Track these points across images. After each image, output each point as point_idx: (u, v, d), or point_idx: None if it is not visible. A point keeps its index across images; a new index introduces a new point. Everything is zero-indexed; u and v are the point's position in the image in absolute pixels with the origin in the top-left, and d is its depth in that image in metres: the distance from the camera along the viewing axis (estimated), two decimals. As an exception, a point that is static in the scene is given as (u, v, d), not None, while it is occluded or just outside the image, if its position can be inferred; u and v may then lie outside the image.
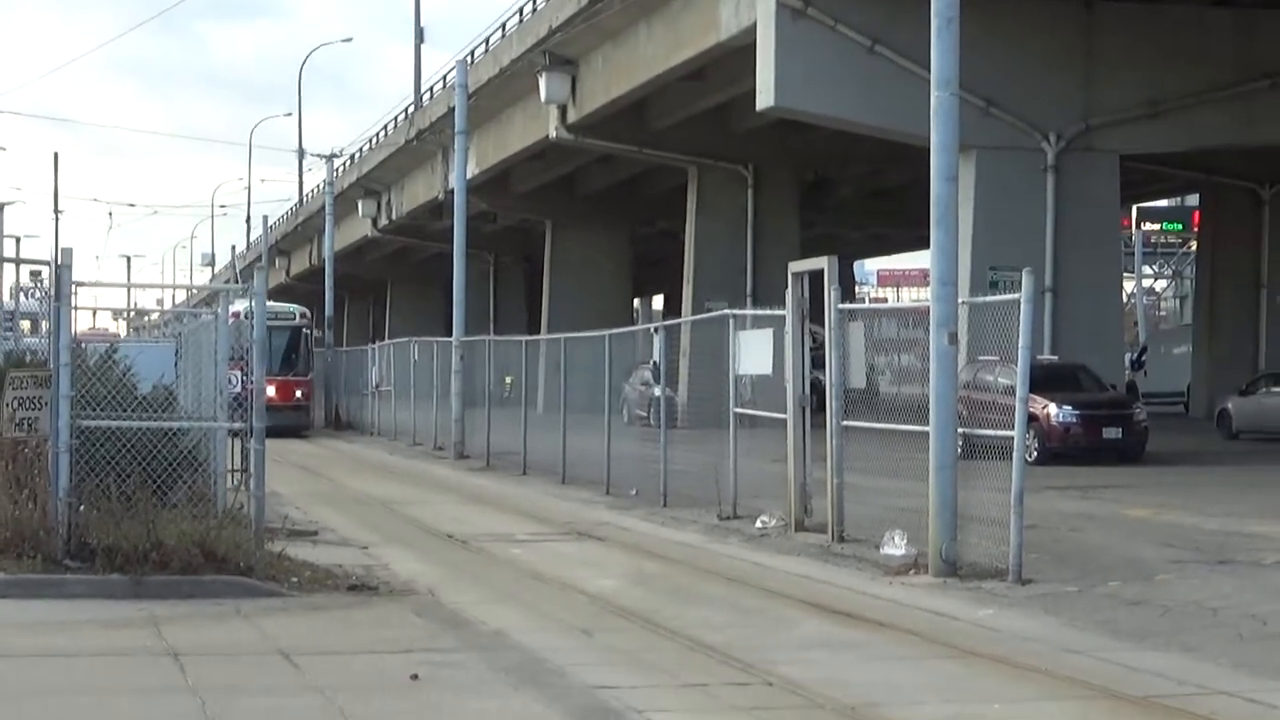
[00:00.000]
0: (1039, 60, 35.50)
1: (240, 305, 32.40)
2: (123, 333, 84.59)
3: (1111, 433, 31.93)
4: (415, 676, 11.31)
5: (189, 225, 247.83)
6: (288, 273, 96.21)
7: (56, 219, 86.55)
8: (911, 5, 32.81)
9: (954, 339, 17.20)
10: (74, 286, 16.26)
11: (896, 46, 33.93)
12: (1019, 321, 16.58)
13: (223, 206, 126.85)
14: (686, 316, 43.58)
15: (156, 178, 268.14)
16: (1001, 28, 32.01)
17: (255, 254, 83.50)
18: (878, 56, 34.53)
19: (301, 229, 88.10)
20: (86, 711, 9.83)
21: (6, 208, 61.33)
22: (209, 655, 12.17)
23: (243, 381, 23.07)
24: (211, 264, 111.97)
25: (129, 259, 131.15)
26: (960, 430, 17.41)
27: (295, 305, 53.44)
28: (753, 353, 22.37)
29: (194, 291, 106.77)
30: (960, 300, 18.05)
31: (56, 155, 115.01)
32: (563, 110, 48.47)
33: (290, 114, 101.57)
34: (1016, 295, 16.73)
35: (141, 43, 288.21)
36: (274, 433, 30.73)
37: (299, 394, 48.65)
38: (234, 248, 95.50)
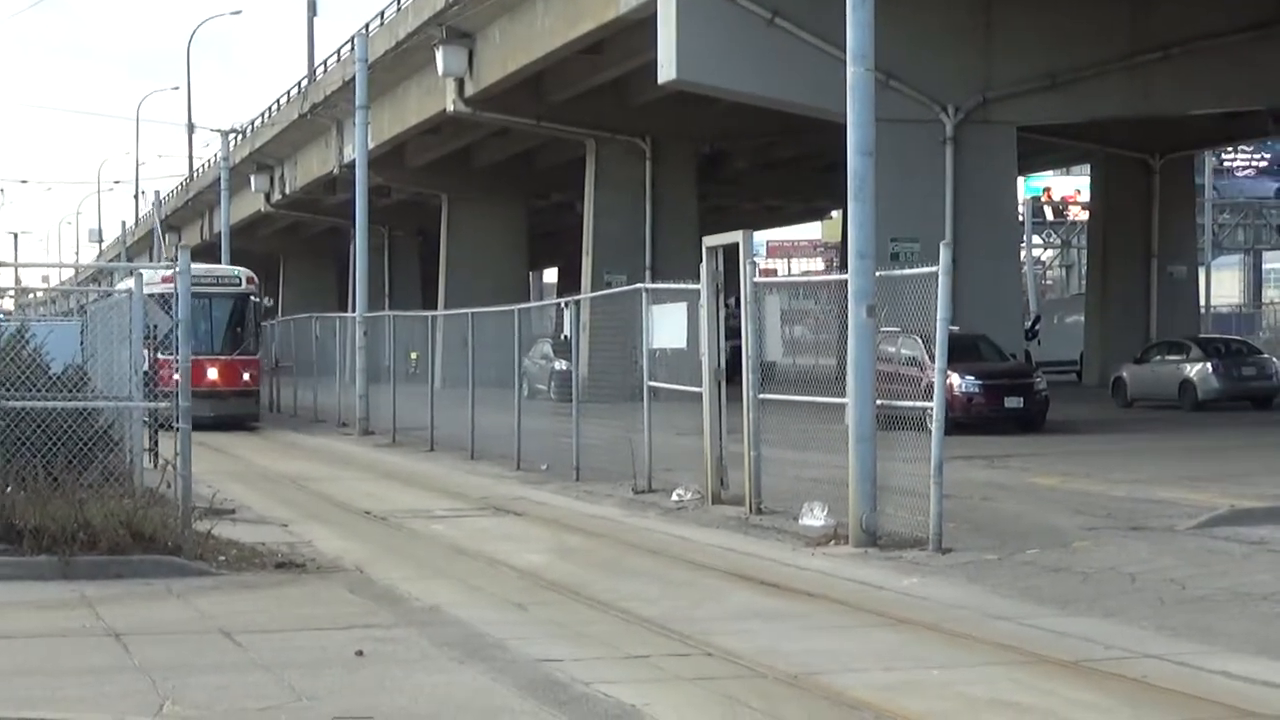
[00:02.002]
0: (938, 33, 35.82)
1: (172, 269, 31.58)
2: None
3: (1013, 402, 32.39)
4: (360, 653, 11.36)
5: (76, 201, 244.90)
6: (175, 249, 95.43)
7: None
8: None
9: (873, 311, 17.47)
10: (-4, 267, 16.27)
11: (797, 19, 34.23)
12: (936, 294, 16.91)
13: (116, 181, 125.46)
14: (586, 290, 43.77)
15: (42, 154, 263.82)
16: (902, 0, 32.25)
17: (145, 229, 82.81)
18: (778, 29, 34.75)
19: (192, 204, 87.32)
20: (38, 692, 9.77)
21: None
22: (150, 635, 12.17)
23: (152, 361, 22.80)
24: (99, 240, 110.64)
25: (16, 235, 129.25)
26: (878, 402, 17.66)
27: (241, 268, 41.89)
28: (667, 327, 22.50)
29: (79, 270, 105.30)
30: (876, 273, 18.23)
31: None
32: (460, 84, 48.51)
33: (177, 88, 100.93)
34: (934, 268, 17.04)
35: (13, 13, 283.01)
36: (219, 425, 29.68)
37: (246, 376, 38.19)
38: (124, 223, 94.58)
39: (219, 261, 60.09)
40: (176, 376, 29.29)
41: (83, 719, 8.65)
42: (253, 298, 39.53)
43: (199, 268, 32.37)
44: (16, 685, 10.12)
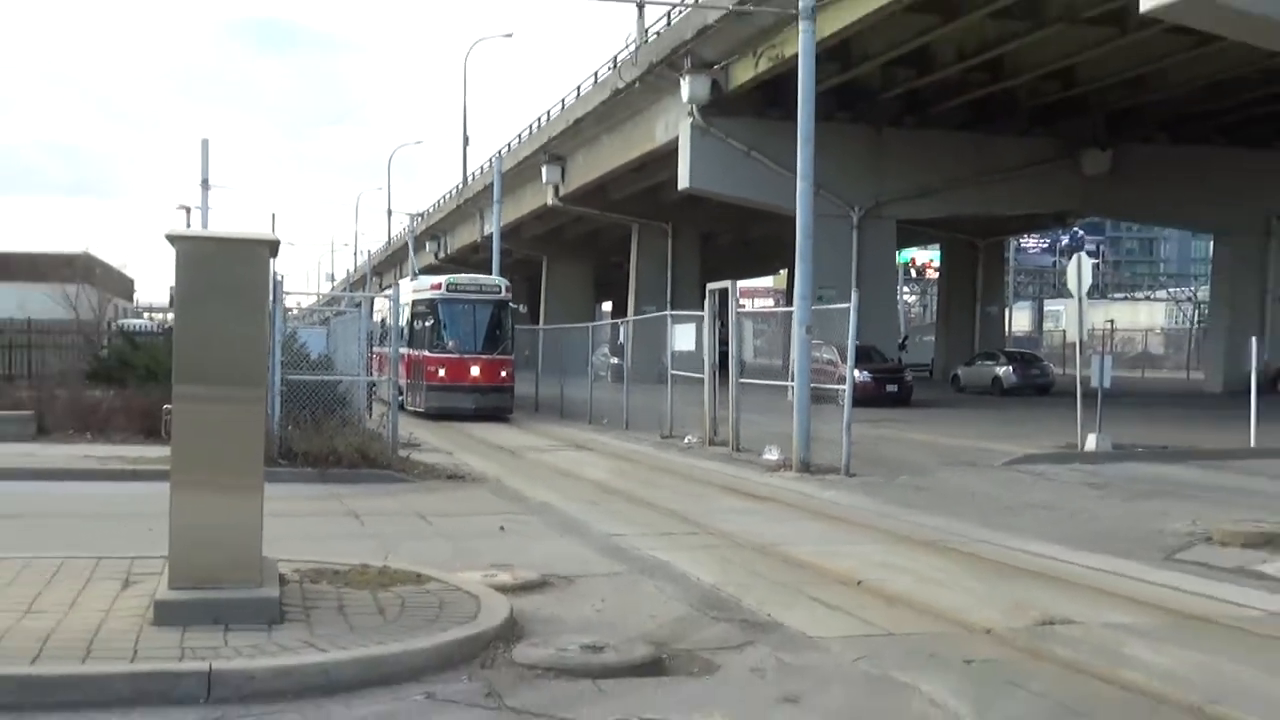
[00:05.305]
0: (850, 160, 35.69)
1: (441, 279, 28.49)
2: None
3: (891, 387, 32.38)
4: (502, 528, 11.58)
5: (314, 253, 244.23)
6: (380, 287, 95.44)
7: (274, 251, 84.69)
8: (771, 130, 33.34)
9: (809, 331, 17.65)
10: (284, 293, 16.56)
11: (764, 152, 34.32)
12: (848, 321, 17.11)
13: (346, 244, 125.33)
14: (631, 315, 43.62)
15: (290, 218, 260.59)
16: (828, 140, 32.17)
17: (360, 274, 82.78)
18: (752, 159, 34.89)
19: (388, 260, 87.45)
20: (315, 545, 9.81)
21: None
22: (375, 515, 12.38)
23: (369, 358, 22.48)
24: (331, 280, 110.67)
25: (280, 243, 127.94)
26: (810, 386, 17.80)
27: (501, 278, 31.26)
28: (682, 338, 22.66)
29: (321, 297, 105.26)
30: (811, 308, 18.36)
31: (270, 211, 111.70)
32: (556, 188, 48.56)
33: (381, 188, 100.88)
34: (847, 305, 17.22)
35: (273, 138, 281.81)
36: (478, 416, 26.71)
37: (503, 374, 28.45)
38: (348, 271, 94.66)
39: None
40: (441, 372, 27.21)
41: (343, 562, 8.82)
42: (510, 303, 29.98)
43: (466, 277, 29.44)
44: (301, 543, 10.24)
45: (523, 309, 35.59)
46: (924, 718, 5.96)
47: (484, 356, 27.56)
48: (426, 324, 27.61)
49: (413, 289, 29.43)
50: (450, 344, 27.53)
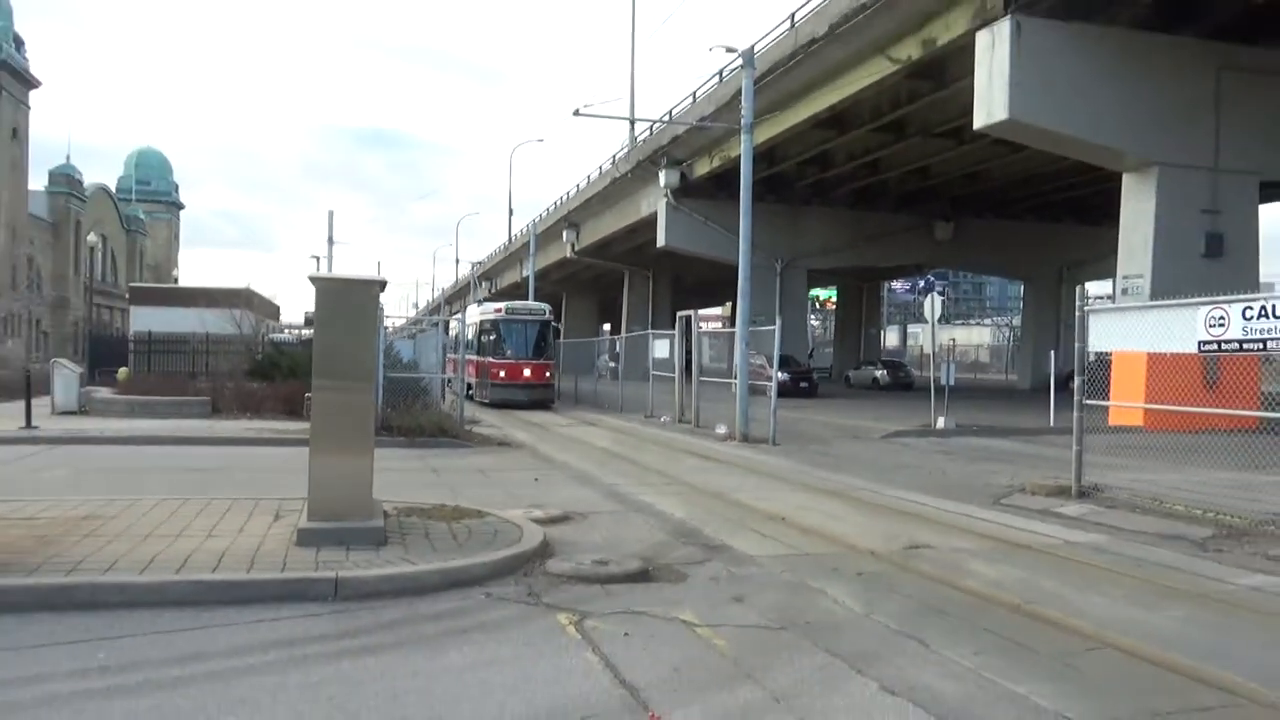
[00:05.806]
0: (775, 227, 35.74)
1: (502, 304, 27.43)
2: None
3: (803, 384, 32.03)
4: (537, 479, 11.44)
5: (403, 290, 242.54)
6: (450, 313, 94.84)
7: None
8: (721, 206, 33.31)
9: (748, 345, 17.60)
10: (385, 316, 16.35)
11: (716, 222, 34.31)
12: (773, 338, 17.07)
13: (426, 283, 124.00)
14: (624, 333, 43.57)
15: (388, 264, 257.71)
16: (760, 214, 32.12)
17: (436, 304, 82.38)
18: (709, 226, 34.86)
19: (456, 294, 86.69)
20: (402, 492, 9.68)
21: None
22: (448, 470, 12.21)
23: (442, 363, 22.23)
24: (415, 307, 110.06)
25: (383, 284, 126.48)
26: (749, 382, 17.77)
27: (545, 304, 28.60)
28: (660, 349, 22.57)
29: (409, 319, 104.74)
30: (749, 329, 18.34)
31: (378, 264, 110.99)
32: (572, 244, 48.39)
33: (451, 244, 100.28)
34: (773, 328, 17.18)
35: (378, 209, 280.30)
36: (529, 405, 25.64)
37: (548, 374, 26.64)
38: (428, 301, 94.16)
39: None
40: (502, 373, 26.61)
41: (427, 503, 8.76)
42: (552, 323, 27.73)
43: (520, 304, 28.14)
44: (397, 489, 10.10)
45: (560, 327, 35.02)
46: (830, 612, 5.93)
47: (533, 361, 26.42)
48: (491, 337, 26.95)
49: (480, 312, 28.63)
50: (509, 352, 26.80)
